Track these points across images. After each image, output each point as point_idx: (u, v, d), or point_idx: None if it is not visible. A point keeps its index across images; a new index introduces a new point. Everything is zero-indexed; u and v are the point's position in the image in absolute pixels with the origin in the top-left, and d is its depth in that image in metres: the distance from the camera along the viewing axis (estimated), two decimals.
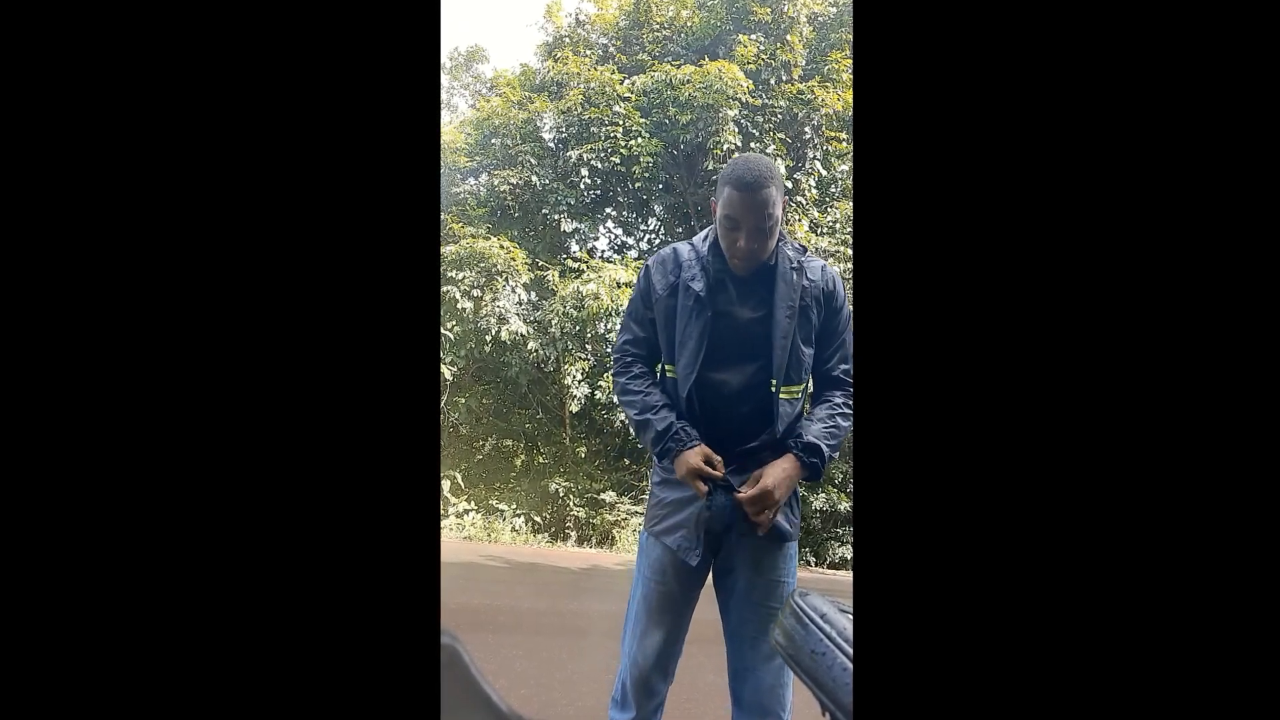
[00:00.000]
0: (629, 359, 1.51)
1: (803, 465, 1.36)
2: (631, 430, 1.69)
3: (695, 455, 1.35)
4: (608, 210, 10.05)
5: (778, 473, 1.33)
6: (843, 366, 1.45)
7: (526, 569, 6.04)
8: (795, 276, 1.40)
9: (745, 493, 1.32)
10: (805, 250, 1.46)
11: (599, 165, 9.09)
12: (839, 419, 1.41)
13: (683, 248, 1.47)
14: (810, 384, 1.49)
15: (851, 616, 0.56)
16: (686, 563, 1.40)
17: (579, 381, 8.28)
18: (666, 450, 1.38)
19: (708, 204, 7.99)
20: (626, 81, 9.29)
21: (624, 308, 1.55)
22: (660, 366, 1.49)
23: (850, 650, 0.52)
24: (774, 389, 1.38)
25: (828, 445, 1.38)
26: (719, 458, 1.36)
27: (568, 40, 10.71)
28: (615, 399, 1.48)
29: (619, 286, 8.09)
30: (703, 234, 1.48)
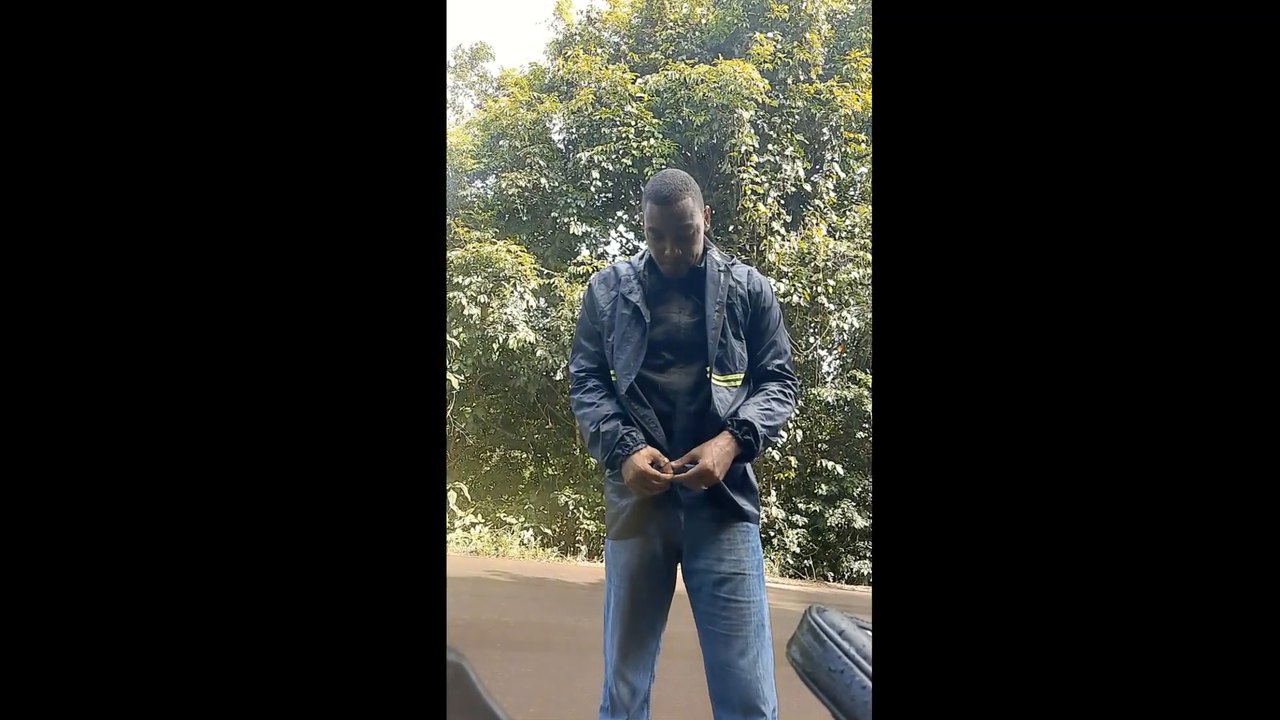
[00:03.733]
0: (583, 374, 1.61)
1: (738, 442, 1.45)
2: (586, 445, 1.81)
3: (641, 458, 1.42)
4: (619, 214, 10.02)
5: (714, 450, 1.42)
6: (776, 361, 1.59)
7: (534, 584, 6.03)
8: (722, 278, 1.56)
9: (683, 475, 1.41)
10: (732, 258, 1.64)
11: (610, 167, 9.05)
12: (774, 402, 1.53)
13: (621, 265, 1.63)
14: (746, 376, 1.59)
15: (871, 633, 0.55)
16: (652, 565, 1.50)
17: None
18: (615, 458, 1.45)
19: (721, 207, 7.85)
20: (639, 81, 9.26)
21: (572, 346, 1.69)
22: (607, 374, 1.61)
23: (869, 668, 0.51)
24: (708, 375, 1.50)
25: (763, 425, 1.48)
26: (666, 459, 1.44)
27: (578, 38, 10.67)
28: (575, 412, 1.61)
29: None
30: (639, 253, 1.63)
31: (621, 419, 1.48)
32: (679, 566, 1.51)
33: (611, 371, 1.57)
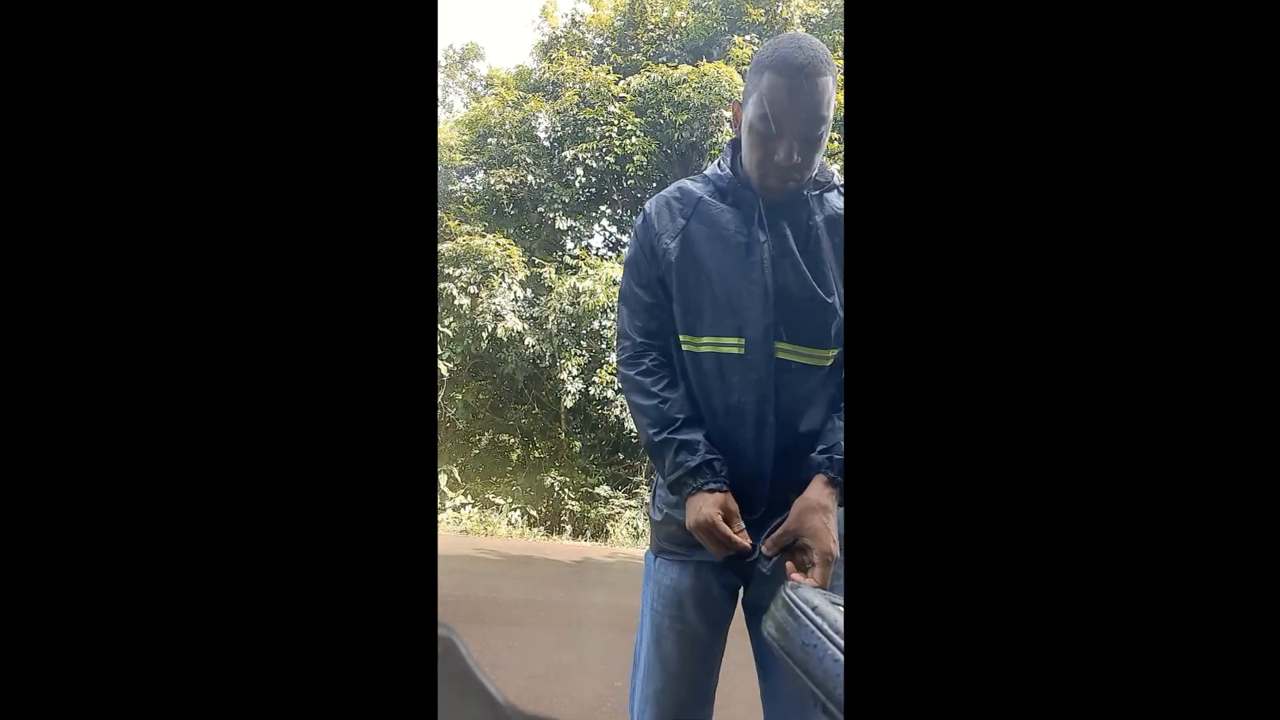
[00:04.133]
0: (640, 346, 1.11)
1: (836, 489, 0.98)
2: (639, 438, 1.37)
3: (712, 505, 0.97)
4: (602, 208, 10.06)
5: (820, 522, 0.93)
6: None
7: (521, 562, 6.05)
8: (838, 211, 1.05)
9: (773, 540, 0.97)
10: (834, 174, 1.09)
11: (594, 164, 9.12)
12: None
13: (691, 183, 1.13)
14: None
15: (842, 608, 0.56)
16: (710, 591, 1.07)
17: (574, 377, 8.31)
18: (681, 484, 1.01)
19: None
20: (622, 82, 9.30)
21: (619, 299, 1.18)
22: (672, 342, 1.10)
23: (841, 642, 0.51)
24: (831, 364, 1.04)
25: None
26: (737, 515, 0.99)
27: (563, 41, 10.70)
28: (623, 394, 1.14)
29: (614, 284, 8.13)
30: (714, 163, 1.13)
31: (699, 428, 1.04)
32: (740, 597, 1.11)
33: (689, 340, 1.07)
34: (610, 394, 8.18)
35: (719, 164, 1.12)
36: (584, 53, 10.36)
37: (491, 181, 9.19)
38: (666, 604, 1.10)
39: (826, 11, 10.07)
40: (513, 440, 9.31)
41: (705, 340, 1.06)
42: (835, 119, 1.03)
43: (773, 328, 1.02)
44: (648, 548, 1.17)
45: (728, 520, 0.98)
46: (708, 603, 1.08)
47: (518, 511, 8.29)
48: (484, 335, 8.15)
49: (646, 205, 1.14)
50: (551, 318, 8.21)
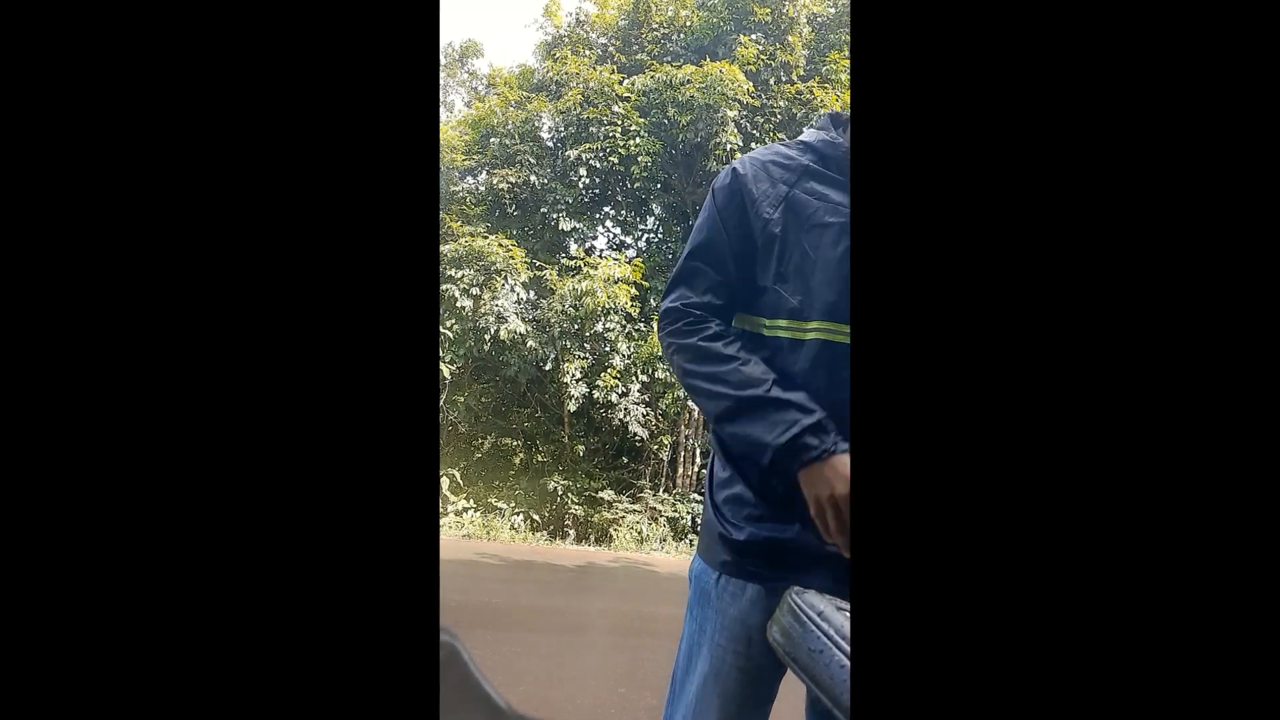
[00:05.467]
0: (701, 315, 0.95)
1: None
2: (711, 416, 0.93)
3: (846, 474, 0.81)
4: (606, 209, 10.09)
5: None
6: None
7: (524, 567, 6.07)
8: None
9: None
10: None
11: (597, 165, 9.13)
12: None
13: (788, 148, 0.99)
14: None
15: (849, 614, 0.56)
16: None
17: (577, 380, 8.30)
18: (799, 448, 0.83)
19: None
20: (626, 82, 9.31)
21: (675, 276, 0.99)
22: (735, 328, 0.96)
23: (848, 648, 0.52)
24: None
25: None
26: None
27: (567, 40, 10.73)
28: (676, 369, 0.96)
29: (615, 283, 8.11)
30: (813, 129, 1.00)
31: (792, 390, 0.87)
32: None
33: (786, 325, 0.92)
34: (614, 398, 8.17)
35: (824, 130, 0.98)
36: (588, 52, 10.39)
37: (494, 182, 9.22)
38: (732, 638, 0.93)
39: (833, 10, 10.09)
40: (515, 444, 9.37)
41: (813, 326, 0.91)
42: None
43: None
44: (695, 560, 1.01)
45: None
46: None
47: (520, 516, 8.31)
48: (486, 337, 8.16)
49: (736, 164, 0.98)
50: (554, 320, 8.22)
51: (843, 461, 0.81)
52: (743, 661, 0.92)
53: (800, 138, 1.00)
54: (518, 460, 9.26)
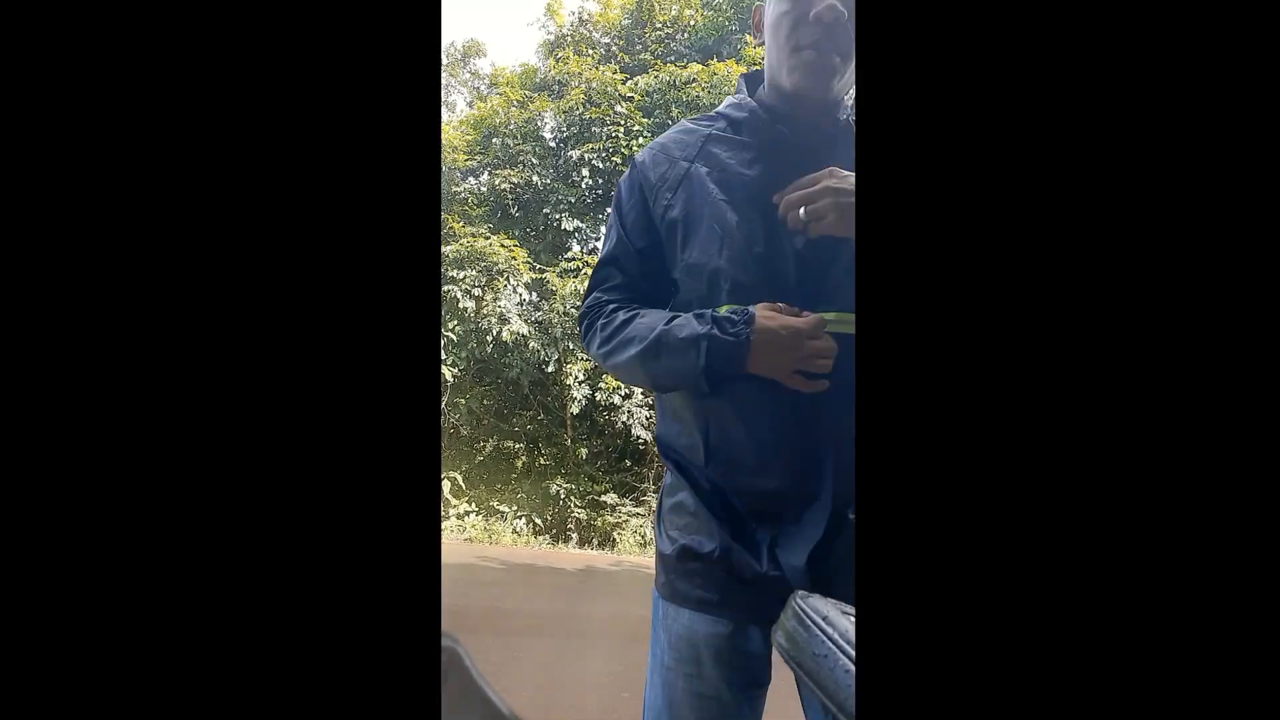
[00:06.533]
0: (604, 303, 0.91)
1: None
2: (644, 384, 0.88)
3: (771, 317, 0.76)
4: (609, 210, 9.95)
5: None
6: None
7: (526, 570, 6.07)
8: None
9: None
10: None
11: (600, 165, 9.13)
12: None
13: (693, 122, 0.92)
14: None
15: (854, 619, 0.55)
16: (735, 641, 0.82)
17: (580, 383, 8.29)
18: (724, 345, 0.76)
19: None
20: (629, 82, 9.32)
21: (589, 284, 0.96)
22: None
23: (853, 653, 0.51)
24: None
25: None
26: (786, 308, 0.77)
27: (569, 39, 10.77)
28: (602, 364, 0.90)
29: None
30: (730, 98, 0.91)
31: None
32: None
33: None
34: (617, 400, 8.18)
35: (739, 93, 0.90)
36: (591, 51, 10.45)
37: (496, 182, 9.25)
38: (680, 659, 0.84)
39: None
40: (518, 446, 9.36)
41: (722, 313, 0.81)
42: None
43: (811, 295, 0.78)
44: (655, 586, 0.92)
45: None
46: (733, 656, 0.82)
47: (523, 519, 8.31)
48: (488, 339, 8.16)
49: (637, 154, 0.91)
50: (556, 322, 8.24)
51: (760, 325, 0.75)
52: (696, 685, 0.82)
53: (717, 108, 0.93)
54: (520, 463, 9.25)
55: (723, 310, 0.79)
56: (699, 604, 0.83)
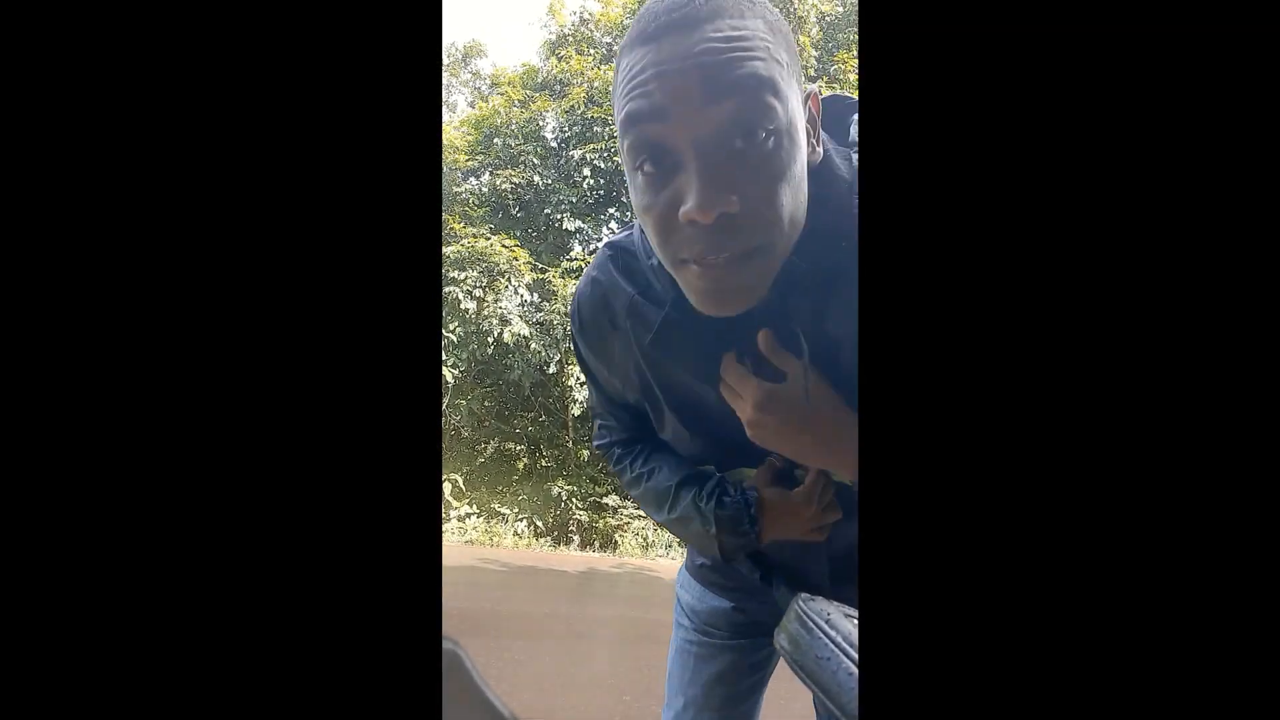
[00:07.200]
0: (617, 452, 0.89)
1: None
2: (685, 539, 0.85)
3: (775, 503, 0.74)
4: (611, 210, 10.11)
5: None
6: None
7: (527, 573, 6.08)
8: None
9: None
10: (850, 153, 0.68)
11: (602, 165, 9.15)
12: None
13: (614, 269, 0.75)
14: None
15: (857, 621, 0.56)
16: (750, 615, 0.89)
17: (582, 384, 8.23)
18: (737, 545, 0.75)
19: None
20: None
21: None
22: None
23: (855, 655, 0.51)
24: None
25: None
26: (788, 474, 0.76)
27: (571, 39, 10.79)
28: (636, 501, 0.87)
29: None
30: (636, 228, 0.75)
31: (692, 469, 0.80)
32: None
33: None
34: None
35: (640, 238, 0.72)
36: (592, 51, 10.46)
37: (498, 182, 9.28)
38: (680, 613, 0.99)
39: (841, 9, 10.09)
40: (519, 448, 9.39)
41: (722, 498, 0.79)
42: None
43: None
44: (680, 570, 1.02)
45: (785, 483, 0.74)
46: (742, 627, 0.92)
47: (524, 521, 8.34)
48: (489, 340, 8.18)
49: (579, 291, 0.78)
50: (558, 323, 8.25)
51: (770, 510, 0.73)
52: (712, 639, 0.94)
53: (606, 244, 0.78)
54: (521, 465, 9.28)
55: (719, 498, 0.77)
56: (720, 589, 0.93)
